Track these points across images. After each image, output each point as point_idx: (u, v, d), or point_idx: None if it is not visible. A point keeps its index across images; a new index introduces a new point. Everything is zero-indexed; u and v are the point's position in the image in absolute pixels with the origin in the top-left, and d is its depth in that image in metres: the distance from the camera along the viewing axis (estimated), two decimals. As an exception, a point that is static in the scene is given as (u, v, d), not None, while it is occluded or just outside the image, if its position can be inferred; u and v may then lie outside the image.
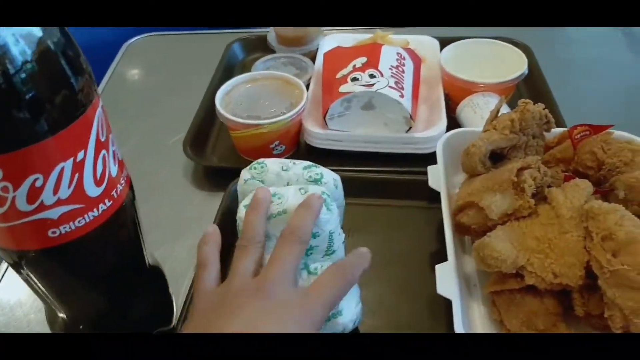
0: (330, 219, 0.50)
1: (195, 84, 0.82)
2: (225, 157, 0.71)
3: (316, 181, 0.54)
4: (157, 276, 0.50)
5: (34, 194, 0.33)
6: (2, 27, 0.29)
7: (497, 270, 0.46)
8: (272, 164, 0.55)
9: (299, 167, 0.55)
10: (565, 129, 0.58)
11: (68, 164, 0.34)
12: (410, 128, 0.68)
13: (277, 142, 0.67)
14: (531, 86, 0.79)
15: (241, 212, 0.50)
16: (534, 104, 0.55)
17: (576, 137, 0.56)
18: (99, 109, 0.36)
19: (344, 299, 0.45)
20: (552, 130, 0.58)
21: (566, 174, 0.53)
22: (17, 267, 0.39)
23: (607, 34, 0.98)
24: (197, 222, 0.63)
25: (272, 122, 0.65)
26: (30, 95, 0.30)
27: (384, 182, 0.65)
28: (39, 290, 0.41)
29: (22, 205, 0.33)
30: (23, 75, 0.30)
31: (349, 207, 0.61)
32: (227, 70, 0.84)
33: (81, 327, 0.45)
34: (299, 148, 0.72)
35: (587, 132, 0.56)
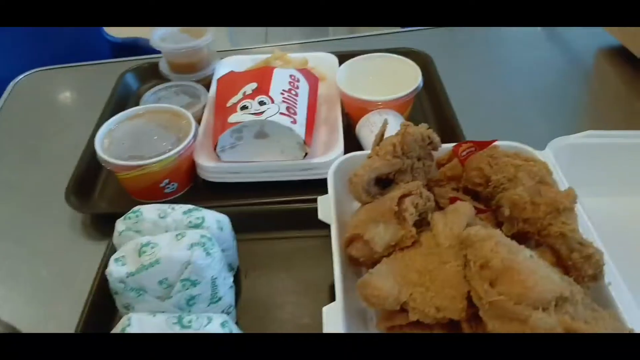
0: (211, 264, 0.48)
1: (89, 121, 0.77)
2: (116, 201, 0.67)
3: (197, 226, 0.51)
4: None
5: None
6: None
7: (382, 308, 0.44)
8: (149, 212, 0.52)
9: (178, 212, 0.52)
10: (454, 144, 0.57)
11: None
12: (306, 154, 0.66)
13: (166, 181, 0.64)
14: (432, 97, 0.79)
15: (111, 266, 0.47)
16: (417, 125, 0.54)
17: (462, 154, 0.55)
18: None
19: None
20: (444, 147, 0.57)
21: (451, 196, 0.52)
22: None
23: (516, 35, 0.99)
24: (83, 274, 0.59)
25: (157, 161, 0.61)
26: None
27: (282, 213, 0.63)
28: None
29: None
30: None
31: (247, 244, 0.59)
32: (120, 103, 0.80)
33: None
34: (196, 184, 0.68)
35: (472, 149, 0.55)
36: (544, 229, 0.48)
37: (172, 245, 0.47)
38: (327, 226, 0.56)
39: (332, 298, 0.47)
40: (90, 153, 0.70)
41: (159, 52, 0.81)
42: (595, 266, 0.45)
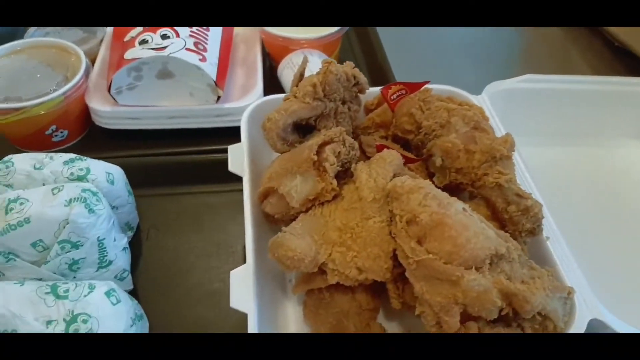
0: (96, 223, 0.40)
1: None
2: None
3: (80, 178, 0.43)
4: None
5: None
6: None
7: (297, 271, 0.38)
8: (21, 162, 0.43)
9: (57, 162, 0.44)
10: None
11: None
12: (219, 98, 0.58)
13: (53, 127, 0.54)
14: (362, 40, 0.72)
15: None
16: (341, 64, 0.47)
17: (392, 97, 0.49)
18: None
19: (106, 321, 0.36)
20: (371, 90, 0.51)
21: (378, 144, 0.46)
22: None
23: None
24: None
25: (39, 103, 0.51)
26: None
27: (190, 165, 0.56)
28: None
29: None
30: None
31: (148, 200, 0.51)
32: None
33: None
34: (91, 132, 0.59)
35: (403, 92, 0.49)
36: (479, 179, 0.43)
37: (45, 200, 0.39)
38: (240, 180, 0.49)
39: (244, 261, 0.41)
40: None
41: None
42: (534, 220, 0.40)
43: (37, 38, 0.59)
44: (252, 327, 0.37)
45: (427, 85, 0.49)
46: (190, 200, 0.54)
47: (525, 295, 0.34)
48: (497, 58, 0.76)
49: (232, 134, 0.55)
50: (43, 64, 0.56)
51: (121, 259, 0.43)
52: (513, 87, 0.57)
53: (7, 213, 0.39)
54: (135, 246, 0.49)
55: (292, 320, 0.43)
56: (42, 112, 0.52)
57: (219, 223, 0.52)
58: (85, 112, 0.57)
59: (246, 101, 0.58)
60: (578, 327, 0.37)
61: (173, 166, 0.56)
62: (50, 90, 0.53)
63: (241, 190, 0.46)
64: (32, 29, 0.64)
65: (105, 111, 0.56)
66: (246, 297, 0.39)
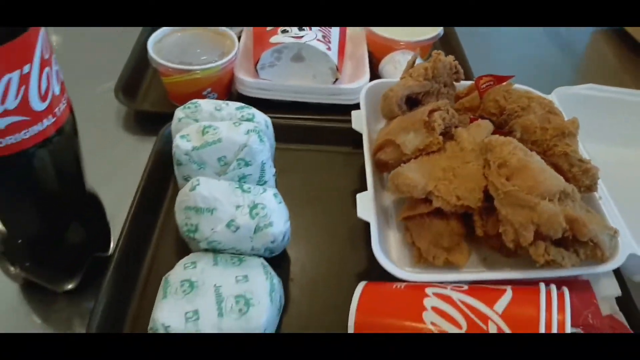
0: (263, 149, 0.54)
1: (124, 37, 0.82)
2: (157, 104, 0.73)
3: (248, 120, 0.58)
4: (95, 203, 0.52)
5: (-21, 102, 0.35)
6: None
7: (409, 196, 0.52)
8: (206, 104, 0.59)
9: (231, 107, 0.59)
10: (472, 81, 0.65)
11: (15, 76, 0.35)
12: (336, 80, 0.72)
13: (209, 90, 0.70)
14: (447, 47, 0.87)
15: (177, 140, 0.53)
16: (446, 56, 0.62)
17: (482, 86, 0.63)
18: (42, 29, 0.38)
19: (273, 213, 0.49)
20: (462, 82, 0.65)
21: (472, 117, 0.60)
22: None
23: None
24: (131, 162, 0.65)
25: (205, 69, 0.67)
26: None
27: (311, 129, 0.70)
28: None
29: (-33, 113, 0.35)
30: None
31: (277, 152, 0.65)
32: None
33: (19, 241, 0.46)
34: (231, 97, 0.75)
35: (492, 82, 0.63)
36: (550, 149, 0.56)
37: (231, 129, 0.54)
38: (351, 144, 0.64)
39: (354, 204, 0.54)
40: (135, 60, 0.76)
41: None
42: (592, 178, 0.53)
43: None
44: (374, 232, 0.51)
45: (510, 80, 0.63)
46: (309, 155, 0.68)
47: (585, 220, 0.47)
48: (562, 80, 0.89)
49: (343, 111, 0.69)
50: (204, 42, 0.72)
51: (271, 182, 0.58)
52: (577, 92, 0.70)
53: (203, 134, 0.53)
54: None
55: (392, 242, 0.57)
56: (204, 77, 0.68)
57: (331, 174, 0.66)
58: (232, 81, 0.73)
59: (355, 85, 0.72)
60: (620, 259, 0.50)
61: (296, 128, 0.70)
62: (213, 60, 0.68)
63: (347, 153, 0.65)
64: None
65: (249, 81, 0.71)
66: (368, 212, 0.52)
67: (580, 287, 0.52)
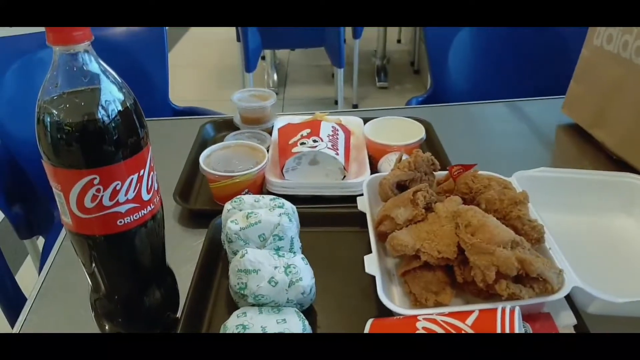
0: (292, 227, 0.73)
1: (174, 157, 1.05)
2: (205, 204, 0.94)
3: (280, 207, 0.77)
4: (170, 274, 0.70)
5: (114, 194, 0.54)
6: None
7: (403, 253, 0.69)
8: (247, 198, 0.78)
9: (266, 199, 0.79)
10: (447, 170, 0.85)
11: (135, 177, 0.56)
12: (344, 177, 0.93)
13: (246, 190, 0.90)
14: (430, 147, 1.08)
15: (228, 224, 0.72)
16: (424, 153, 0.82)
17: (454, 173, 0.82)
18: (150, 147, 0.59)
19: (302, 271, 0.66)
20: (440, 172, 0.85)
21: (446, 195, 0.79)
22: (84, 250, 0.59)
23: (492, 110, 1.31)
24: (188, 247, 0.84)
25: (244, 174, 0.88)
26: (118, 136, 0.53)
27: (326, 215, 0.89)
28: (94, 270, 0.61)
29: (106, 201, 0.54)
30: (117, 125, 0.53)
31: (302, 234, 0.83)
32: (202, 144, 1.08)
33: (116, 297, 0.64)
34: (263, 195, 0.95)
35: (461, 170, 0.82)
36: (507, 214, 0.73)
37: (267, 213, 0.73)
38: (358, 225, 0.83)
39: (363, 268, 0.71)
40: (186, 174, 0.98)
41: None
42: (539, 232, 0.70)
43: (238, 140, 0.98)
44: (379, 283, 0.67)
45: (475, 167, 0.82)
46: (325, 236, 0.86)
47: (531, 260, 0.63)
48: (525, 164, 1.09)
49: (350, 201, 0.89)
50: (242, 155, 0.94)
51: (299, 253, 0.75)
52: (532, 175, 0.89)
53: (247, 218, 0.73)
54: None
55: (395, 293, 0.73)
56: (243, 180, 0.88)
57: (347, 245, 0.84)
58: (263, 183, 0.93)
59: (359, 180, 0.92)
60: (566, 290, 0.65)
61: (315, 215, 0.88)
62: (249, 168, 0.89)
63: (356, 232, 0.82)
64: (229, 136, 1.03)
65: (277, 182, 0.92)
66: (374, 268, 0.70)
67: (543, 319, 0.67)
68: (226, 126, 1.15)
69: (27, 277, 1.69)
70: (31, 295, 0.80)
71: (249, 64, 2.44)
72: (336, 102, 3.18)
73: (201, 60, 4.19)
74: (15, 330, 0.75)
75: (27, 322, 0.76)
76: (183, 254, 0.84)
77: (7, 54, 1.39)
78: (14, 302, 1.12)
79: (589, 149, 1.12)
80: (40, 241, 1.43)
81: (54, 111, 0.52)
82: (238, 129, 1.10)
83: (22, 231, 1.32)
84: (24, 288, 1.15)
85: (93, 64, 0.52)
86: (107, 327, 0.67)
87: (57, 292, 0.81)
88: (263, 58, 3.59)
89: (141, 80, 1.52)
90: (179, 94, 1.90)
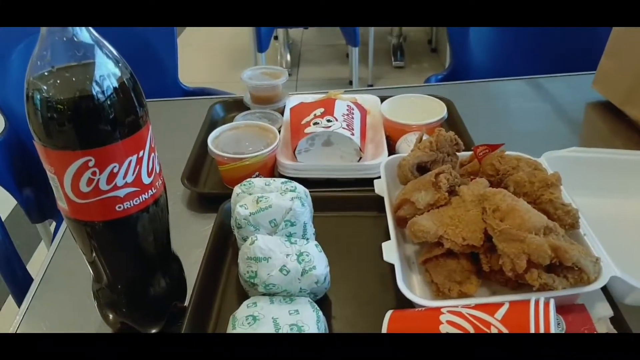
0: (305, 212, 0.68)
1: (182, 139, 1.01)
2: (214, 187, 0.89)
3: (291, 191, 0.72)
4: (176, 261, 0.66)
5: (111, 177, 0.50)
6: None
7: (425, 240, 0.64)
8: (258, 181, 0.74)
9: (277, 182, 0.74)
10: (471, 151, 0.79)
11: (134, 158, 0.51)
12: (360, 158, 0.88)
13: (257, 173, 0.86)
14: (452, 126, 1.02)
15: (237, 208, 0.67)
16: (447, 132, 0.76)
17: (480, 153, 0.77)
18: (150, 126, 0.54)
19: (316, 259, 0.62)
20: (463, 153, 0.79)
21: (471, 177, 0.73)
22: (83, 237, 0.55)
23: (516, 88, 1.24)
24: (197, 232, 0.80)
25: (254, 156, 0.83)
26: (115, 115, 0.48)
27: (341, 199, 0.84)
28: (94, 259, 0.57)
29: (103, 185, 0.50)
30: (113, 103, 0.48)
31: (315, 219, 0.79)
32: (212, 125, 1.03)
33: (119, 286, 0.60)
34: (274, 178, 0.90)
35: (487, 150, 0.77)
36: (538, 198, 0.68)
37: (278, 197, 0.68)
38: (375, 209, 0.78)
39: (381, 255, 0.66)
40: (195, 155, 0.94)
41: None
42: (573, 217, 0.65)
43: (248, 121, 0.93)
44: (398, 272, 0.63)
45: (502, 147, 0.77)
46: (340, 221, 0.82)
47: (566, 248, 0.58)
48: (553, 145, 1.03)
49: (366, 184, 0.84)
50: (252, 136, 0.89)
51: (312, 239, 0.71)
52: (563, 155, 0.83)
53: (257, 203, 0.68)
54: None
55: (415, 282, 0.68)
56: (253, 163, 0.84)
57: (364, 231, 0.79)
58: (275, 165, 0.89)
59: (376, 161, 0.87)
60: (603, 280, 0.60)
61: (330, 199, 0.84)
62: (260, 149, 0.85)
63: (371, 217, 0.78)
64: (239, 116, 0.99)
65: (289, 164, 0.87)
66: (393, 255, 0.65)
67: (577, 310, 0.62)
68: (236, 106, 1.10)
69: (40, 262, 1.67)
70: (35, 281, 0.77)
71: (261, 44, 2.38)
72: (351, 83, 3.11)
73: (213, 41, 4.13)
74: (19, 315, 0.72)
75: (30, 309, 0.73)
76: (192, 239, 0.80)
77: (12, 35, 1.35)
78: (25, 289, 1.09)
79: (621, 127, 1.05)
80: (53, 226, 1.40)
81: (44, 87, 0.47)
82: (248, 109, 1.05)
83: (33, 215, 1.30)
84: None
85: (84, 35, 0.47)
86: (110, 318, 0.63)
87: (62, 277, 0.78)
88: (276, 38, 3.52)
89: (150, 61, 1.48)
90: (191, 75, 1.85)
